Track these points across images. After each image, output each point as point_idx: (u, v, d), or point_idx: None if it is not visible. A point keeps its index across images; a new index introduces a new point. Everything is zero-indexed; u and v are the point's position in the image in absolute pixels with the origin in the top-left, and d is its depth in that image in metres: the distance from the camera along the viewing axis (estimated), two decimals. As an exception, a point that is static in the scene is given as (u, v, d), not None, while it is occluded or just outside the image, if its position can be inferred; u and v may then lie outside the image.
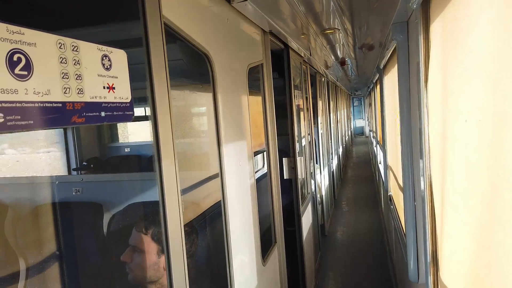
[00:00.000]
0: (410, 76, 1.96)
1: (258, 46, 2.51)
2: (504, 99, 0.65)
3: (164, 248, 1.26)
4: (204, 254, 2.12)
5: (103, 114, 0.94)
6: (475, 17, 0.80)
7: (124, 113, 1.03)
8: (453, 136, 1.05)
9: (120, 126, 4.82)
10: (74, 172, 3.57)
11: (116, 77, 1.00)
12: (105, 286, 1.99)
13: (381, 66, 4.04)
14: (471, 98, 0.84)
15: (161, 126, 1.18)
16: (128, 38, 1.40)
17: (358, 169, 11.55)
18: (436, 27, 1.23)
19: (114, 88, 0.99)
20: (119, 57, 1.02)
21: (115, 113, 0.99)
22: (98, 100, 0.93)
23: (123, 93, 1.02)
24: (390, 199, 3.97)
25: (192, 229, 1.83)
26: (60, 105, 0.82)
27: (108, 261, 2.15)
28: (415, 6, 1.35)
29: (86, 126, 4.01)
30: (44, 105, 0.79)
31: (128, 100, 1.04)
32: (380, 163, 6.39)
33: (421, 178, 1.57)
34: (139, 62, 1.22)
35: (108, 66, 0.97)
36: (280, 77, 3.43)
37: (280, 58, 3.34)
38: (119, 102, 1.01)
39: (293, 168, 3.46)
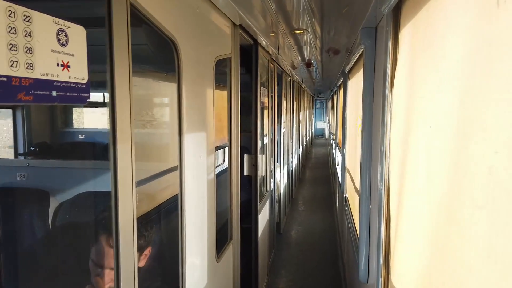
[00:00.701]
0: (375, 81, 1.99)
1: (227, 38, 2.46)
2: (473, 106, 0.66)
3: (113, 242, 1.19)
4: (156, 249, 2.05)
5: (54, 93, 0.86)
6: (450, 23, 0.81)
7: (79, 94, 0.95)
8: (416, 142, 1.07)
9: (76, 111, 4.58)
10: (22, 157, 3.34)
11: (73, 55, 0.92)
12: (45, 278, 1.87)
13: (346, 70, 4.12)
14: (438, 104, 0.85)
15: (119, 111, 1.11)
16: (90, 16, 1.31)
17: (316, 170, 11.79)
18: (405, 33, 1.25)
19: (69, 66, 0.91)
20: (77, 33, 0.94)
21: (68, 93, 0.91)
22: (49, 77, 0.85)
23: (79, 72, 0.95)
24: (345, 201, 4.07)
25: (148, 222, 1.75)
26: (5, 79, 0.74)
27: (52, 251, 2.02)
28: (386, 11, 1.37)
29: (38, 108, 3.77)
30: (-14, 77, 0.70)
31: (84, 81, 0.97)
32: (338, 165, 6.55)
33: (379, 182, 1.60)
34: (100, 43, 1.15)
35: (64, 42, 0.89)
36: (247, 72, 3.40)
37: (248, 53, 3.31)
38: (74, 82, 0.93)
39: (253, 165, 3.45)
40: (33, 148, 3.32)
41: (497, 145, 0.56)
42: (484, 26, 0.64)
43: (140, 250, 1.41)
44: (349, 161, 4.06)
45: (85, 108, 4.78)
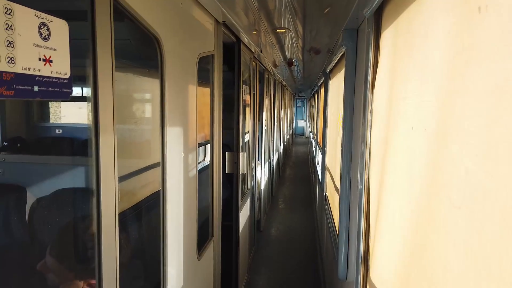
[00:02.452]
0: (356, 82, 2.03)
1: (210, 36, 2.45)
2: (453, 109, 0.69)
3: (95, 240, 1.18)
4: (138, 247, 2.03)
5: (36, 88, 0.84)
6: (431, 27, 0.84)
7: (61, 90, 0.93)
8: (397, 142, 1.10)
9: (53, 105, 4.47)
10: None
11: (55, 50, 0.90)
12: (22, 274, 1.82)
13: (328, 70, 4.16)
14: (420, 106, 0.88)
15: (102, 107, 1.10)
16: (71, 9, 1.28)
17: (296, 168, 11.88)
18: (387, 35, 1.28)
19: (51, 61, 0.89)
20: (59, 27, 0.92)
21: (50, 89, 0.89)
22: (31, 72, 0.83)
23: (61, 67, 0.93)
24: (325, 199, 4.12)
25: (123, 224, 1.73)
26: (-15, 73, 0.72)
27: (29, 247, 1.97)
28: (368, 14, 1.40)
29: (12, 102, 3.66)
30: (-35, 71, 0.68)
31: (67, 76, 0.95)
32: (318, 163, 6.62)
33: (359, 181, 1.63)
34: (80, 37, 1.13)
35: (46, 36, 0.87)
36: (230, 70, 3.39)
37: (230, 51, 3.31)
38: (56, 78, 0.91)
39: (235, 163, 3.45)
40: (6, 144, 3.22)
41: (476, 147, 0.59)
42: (465, 31, 0.66)
43: None
44: (329, 160, 4.12)
45: (62, 102, 4.67)
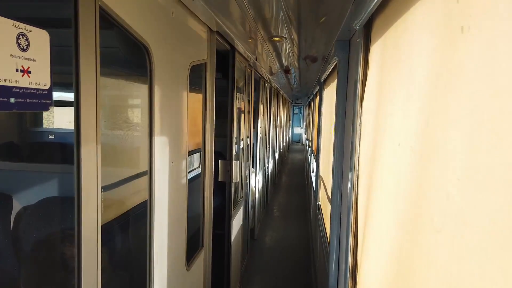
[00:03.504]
0: (348, 93, 2.02)
1: (203, 44, 2.44)
2: (435, 132, 0.67)
3: (75, 252, 1.15)
4: (122, 259, 1.99)
5: (12, 100, 0.82)
6: (415, 45, 0.82)
7: (40, 101, 0.91)
8: (384, 158, 1.08)
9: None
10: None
11: (34, 60, 0.88)
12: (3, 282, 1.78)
13: (322, 80, 4.16)
14: (405, 123, 0.86)
15: (84, 113, 1.08)
16: (56, 17, 1.27)
17: (292, 176, 11.85)
18: (376, 49, 1.27)
19: (29, 72, 0.87)
20: (39, 37, 0.90)
21: (28, 100, 0.87)
22: (8, 84, 0.81)
23: (40, 78, 0.91)
24: (318, 208, 4.10)
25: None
26: (-44, 85, 0.70)
27: (12, 258, 1.93)
28: (358, 27, 1.39)
29: None
30: None
31: (46, 87, 0.93)
32: (312, 172, 6.60)
33: (348, 194, 1.62)
34: (65, 44, 1.11)
35: (25, 47, 0.85)
36: (224, 78, 3.38)
37: (225, 58, 3.30)
38: (34, 89, 0.89)
39: (228, 171, 3.42)
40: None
41: (457, 172, 0.57)
42: (448, 50, 0.65)
43: None
44: (323, 169, 4.10)
45: (55, 107, 4.63)
